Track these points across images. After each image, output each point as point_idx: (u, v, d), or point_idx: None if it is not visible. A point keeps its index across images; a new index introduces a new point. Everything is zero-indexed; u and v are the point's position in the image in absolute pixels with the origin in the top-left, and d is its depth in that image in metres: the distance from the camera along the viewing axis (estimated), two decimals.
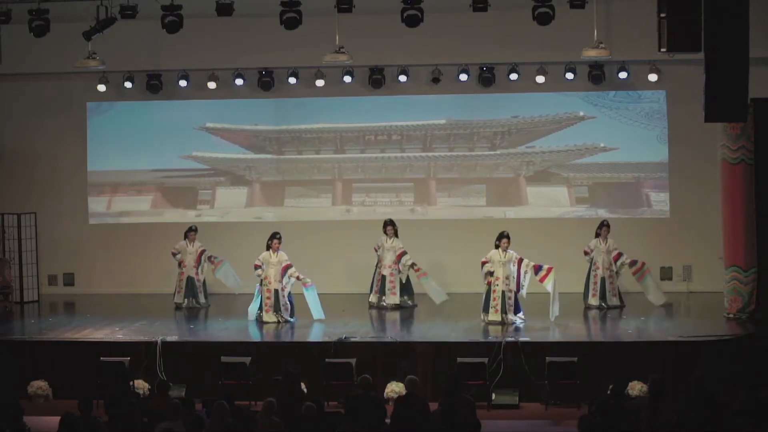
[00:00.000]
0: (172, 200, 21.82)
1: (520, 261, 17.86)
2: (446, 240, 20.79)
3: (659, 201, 20.84)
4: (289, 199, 21.70)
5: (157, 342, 16.63)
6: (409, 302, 19.51)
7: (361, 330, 17.75)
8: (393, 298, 19.40)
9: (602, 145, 20.99)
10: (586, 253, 19.14)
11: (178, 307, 19.79)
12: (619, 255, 19.04)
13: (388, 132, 21.54)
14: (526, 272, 17.80)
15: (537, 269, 17.72)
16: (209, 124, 21.62)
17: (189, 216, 21.47)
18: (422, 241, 20.38)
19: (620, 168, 20.95)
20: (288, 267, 18.39)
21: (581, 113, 20.94)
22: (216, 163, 21.73)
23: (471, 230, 20.53)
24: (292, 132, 21.55)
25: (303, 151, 21.63)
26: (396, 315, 19.04)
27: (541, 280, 17.67)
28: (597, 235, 19.16)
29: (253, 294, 18.57)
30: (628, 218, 20.59)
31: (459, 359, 15.82)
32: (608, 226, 19.17)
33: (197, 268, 19.85)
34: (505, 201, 21.26)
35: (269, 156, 21.60)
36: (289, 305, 18.33)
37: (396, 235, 19.51)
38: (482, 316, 17.89)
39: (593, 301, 19.04)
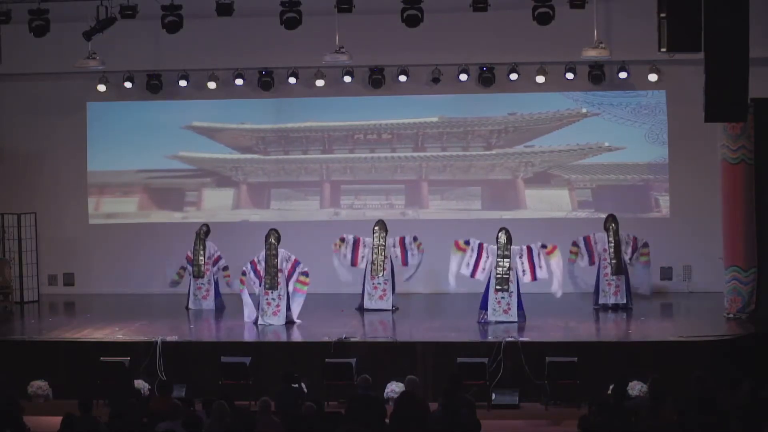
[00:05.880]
0: (158, 202, 21.74)
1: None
2: (442, 241, 20.71)
3: (667, 205, 20.69)
4: (275, 202, 21.49)
5: (157, 342, 16.63)
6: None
7: (360, 330, 17.78)
8: (381, 302, 19.24)
9: (607, 144, 20.81)
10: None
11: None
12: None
13: (378, 131, 21.27)
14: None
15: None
16: (195, 123, 21.53)
17: (176, 218, 21.42)
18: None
19: (626, 169, 20.65)
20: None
21: (584, 110, 20.78)
22: (202, 164, 21.60)
23: (467, 231, 20.43)
24: (279, 131, 21.38)
25: (290, 151, 21.42)
26: (394, 315, 19.01)
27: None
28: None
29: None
30: (627, 217, 20.46)
31: (459, 359, 15.82)
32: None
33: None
34: (501, 204, 20.91)
35: (256, 156, 21.47)
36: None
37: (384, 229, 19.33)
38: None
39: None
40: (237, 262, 20.25)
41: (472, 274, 18.07)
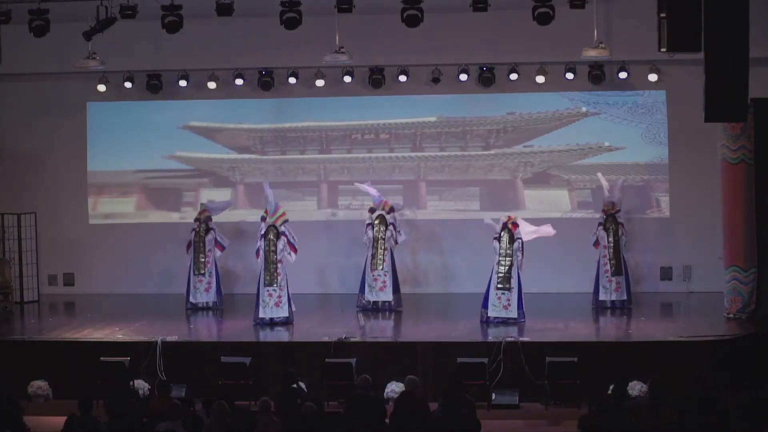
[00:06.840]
0: (155, 202, 21.66)
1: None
2: (440, 241, 20.69)
3: (667, 205, 20.58)
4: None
5: (157, 342, 16.63)
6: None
7: (360, 330, 17.78)
8: (382, 294, 19.20)
9: (607, 144, 20.74)
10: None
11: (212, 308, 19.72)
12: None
13: (375, 130, 21.17)
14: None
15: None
16: (193, 123, 21.48)
17: (173, 218, 21.37)
18: (416, 242, 20.29)
19: (626, 169, 20.50)
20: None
21: (584, 109, 20.70)
22: (200, 164, 21.53)
23: (466, 231, 20.41)
24: (277, 131, 21.30)
25: (287, 151, 21.33)
26: (394, 315, 19.01)
27: None
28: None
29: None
30: (627, 217, 20.40)
31: (459, 359, 15.82)
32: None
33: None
34: (500, 205, 20.59)
35: (253, 156, 21.39)
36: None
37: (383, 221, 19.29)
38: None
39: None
40: (236, 262, 20.33)
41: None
